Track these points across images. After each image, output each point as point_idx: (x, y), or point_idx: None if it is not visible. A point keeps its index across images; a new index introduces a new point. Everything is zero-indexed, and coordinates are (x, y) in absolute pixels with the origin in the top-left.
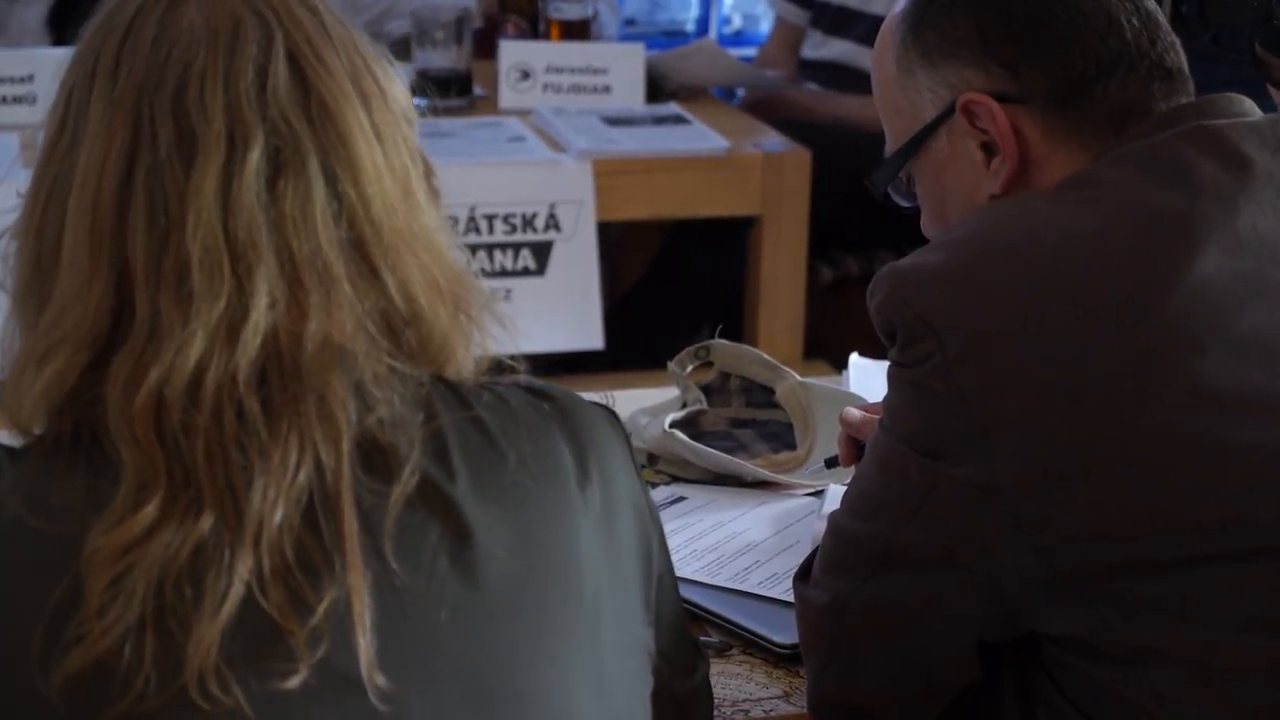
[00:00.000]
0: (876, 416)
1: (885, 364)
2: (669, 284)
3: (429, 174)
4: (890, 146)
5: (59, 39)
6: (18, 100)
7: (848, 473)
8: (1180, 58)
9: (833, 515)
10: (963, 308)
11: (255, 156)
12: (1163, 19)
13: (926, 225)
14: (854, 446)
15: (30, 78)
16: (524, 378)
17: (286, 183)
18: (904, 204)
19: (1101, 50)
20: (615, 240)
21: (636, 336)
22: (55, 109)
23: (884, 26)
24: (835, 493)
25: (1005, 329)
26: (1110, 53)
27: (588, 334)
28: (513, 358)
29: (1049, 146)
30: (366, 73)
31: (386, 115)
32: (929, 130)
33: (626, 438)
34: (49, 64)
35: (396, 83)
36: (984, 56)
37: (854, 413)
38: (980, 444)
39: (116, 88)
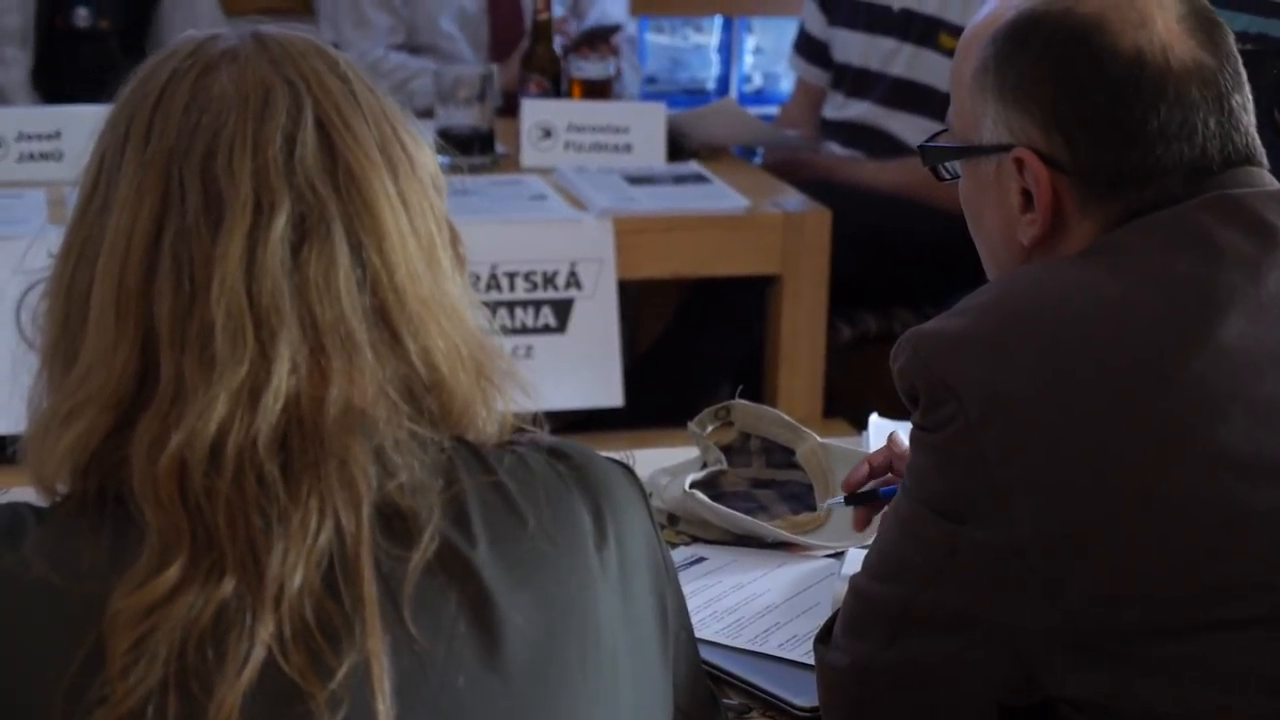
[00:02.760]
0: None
1: (905, 424)
2: (689, 342)
3: (455, 241)
4: (951, 127)
5: (47, 98)
6: (45, 157)
7: (866, 535)
8: (1251, 148)
9: (854, 577)
10: (985, 372)
11: (281, 223)
12: (1245, 113)
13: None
14: (867, 475)
15: (58, 134)
16: (544, 437)
17: (311, 249)
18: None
19: (1165, 155)
20: (635, 298)
21: (656, 394)
22: (88, 171)
23: (976, 30)
24: (855, 555)
25: (1027, 393)
26: (1172, 158)
27: (608, 392)
28: (534, 417)
29: (1082, 217)
30: (395, 140)
31: (413, 183)
32: (982, 152)
33: (644, 493)
34: (76, 121)
35: (425, 150)
36: (1051, 122)
37: (902, 440)
38: (1001, 507)
39: (148, 151)
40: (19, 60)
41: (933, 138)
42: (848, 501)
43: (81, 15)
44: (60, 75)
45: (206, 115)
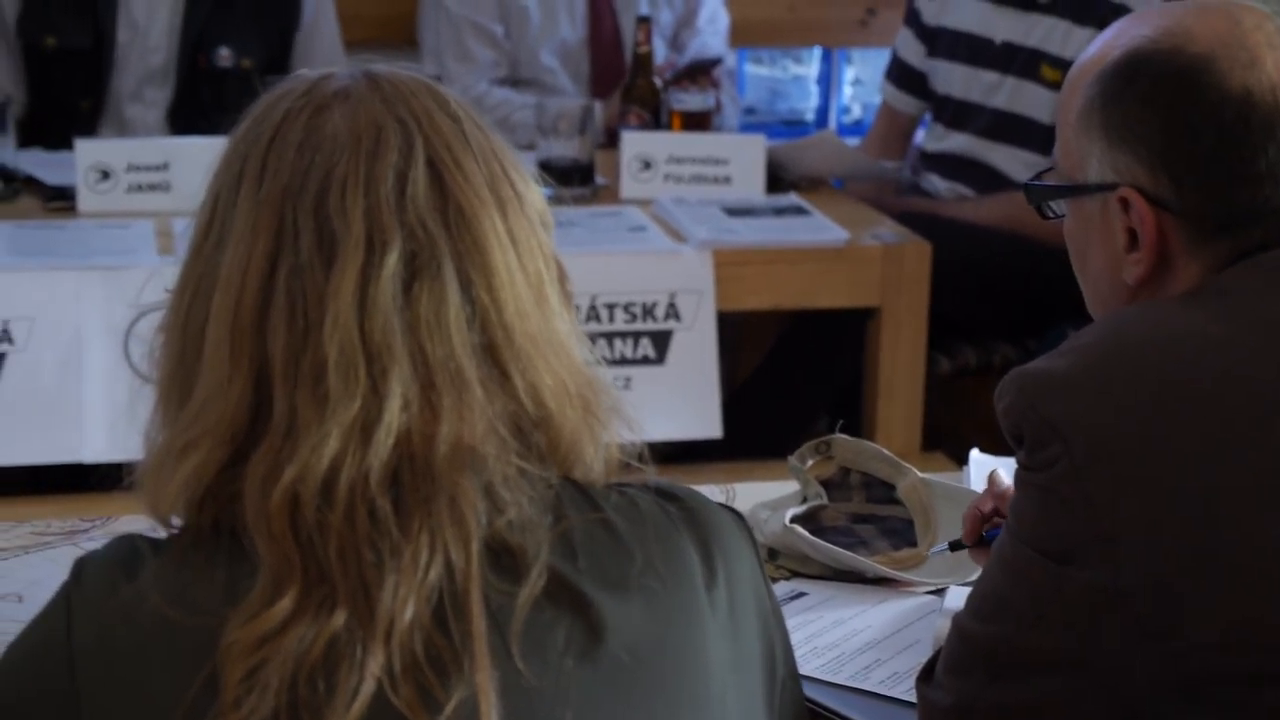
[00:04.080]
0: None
1: (1005, 460)
2: (787, 374)
3: (563, 278)
4: (1056, 165)
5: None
6: (154, 188)
7: (966, 569)
8: None
9: (957, 616)
10: (1090, 413)
11: (392, 260)
12: None
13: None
14: (980, 525)
15: (165, 166)
16: (652, 478)
17: (422, 286)
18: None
19: (1274, 196)
20: (734, 329)
21: (754, 426)
22: (203, 209)
23: (1083, 68)
24: (956, 592)
25: (1132, 434)
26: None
27: (706, 423)
28: (640, 457)
29: (1189, 257)
30: (504, 179)
31: (522, 221)
32: (1087, 191)
33: (753, 539)
34: (182, 153)
35: (534, 189)
36: (1157, 162)
37: (1002, 480)
38: (1107, 549)
39: (262, 190)
40: (158, 100)
41: (1038, 176)
42: (952, 547)
43: (224, 55)
44: (201, 113)
45: (320, 154)
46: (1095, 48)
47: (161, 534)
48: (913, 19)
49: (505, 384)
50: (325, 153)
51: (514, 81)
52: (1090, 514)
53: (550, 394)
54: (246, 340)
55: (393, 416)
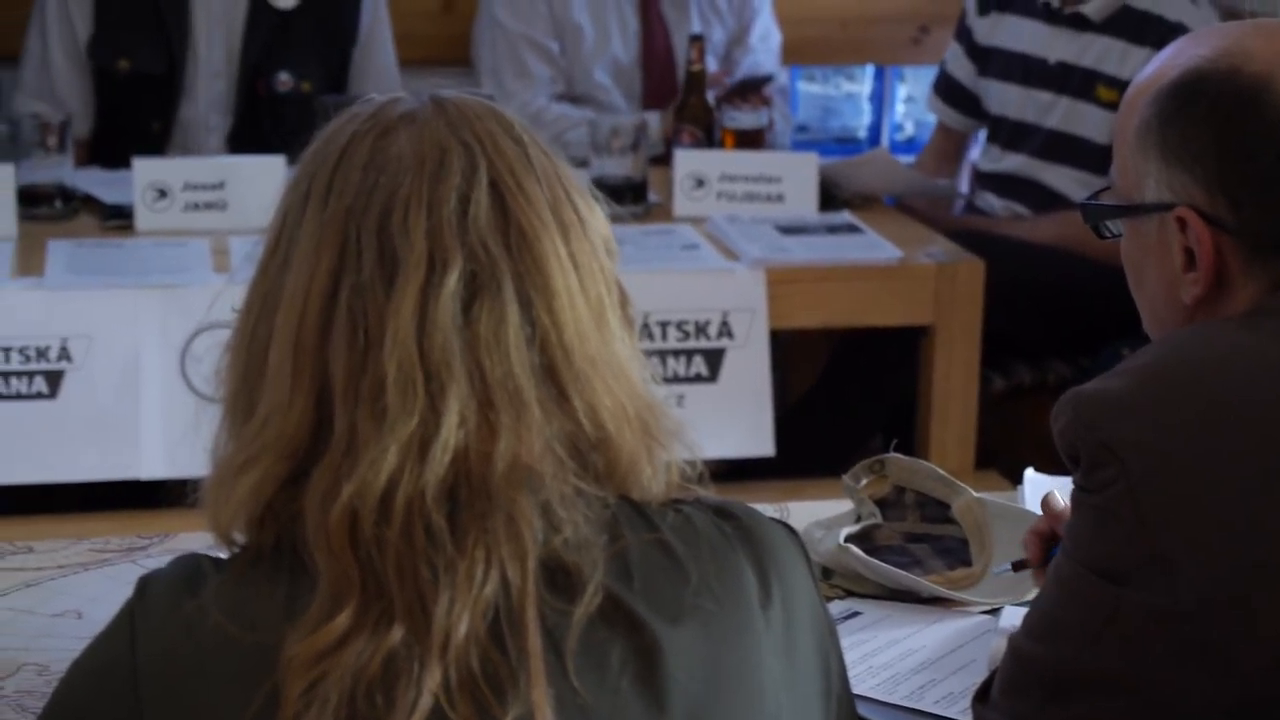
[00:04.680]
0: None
1: (1060, 479)
2: (840, 392)
3: (624, 303)
4: (1113, 184)
5: None
6: (209, 206)
7: (1021, 588)
8: None
9: (1013, 636)
10: (1146, 434)
11: (453, 279)
12: None
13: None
14: (1043, 547)
15: (221, 185)
16: (707, 495)
17: (482, 306)
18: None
19: None
20: (786, 347)
21: (807, 444)
22: (271, 229)
23: (1140, 87)
24: (1011, 611)
25: (1189, 455)
26: None
27: (759, 441)
28: (700, 478)
29: (1246, 277)
30: (567, 203)
31: (584, 244)
32: (1144, 211)
33: (807, 555)
34: (239, 172)
35: (597, 213)
36: (1214, 182)
37: (1058, 501)
38: (1163, 570)
39: (327, 210)
40: (219, 126)
41: (1094, 195)
42: (1015, 567)
43: (283, 80)
44: (261, 137)
45: (384, 175)
46: (1153, 67)
47: (224, 553)
48: (964, 35)
49: (564, 405)
50: (390, 174)
51: (568, 98)
52: (1145, 535)
53: (609, 416)
54: (308, 358)
55: (450, 433)
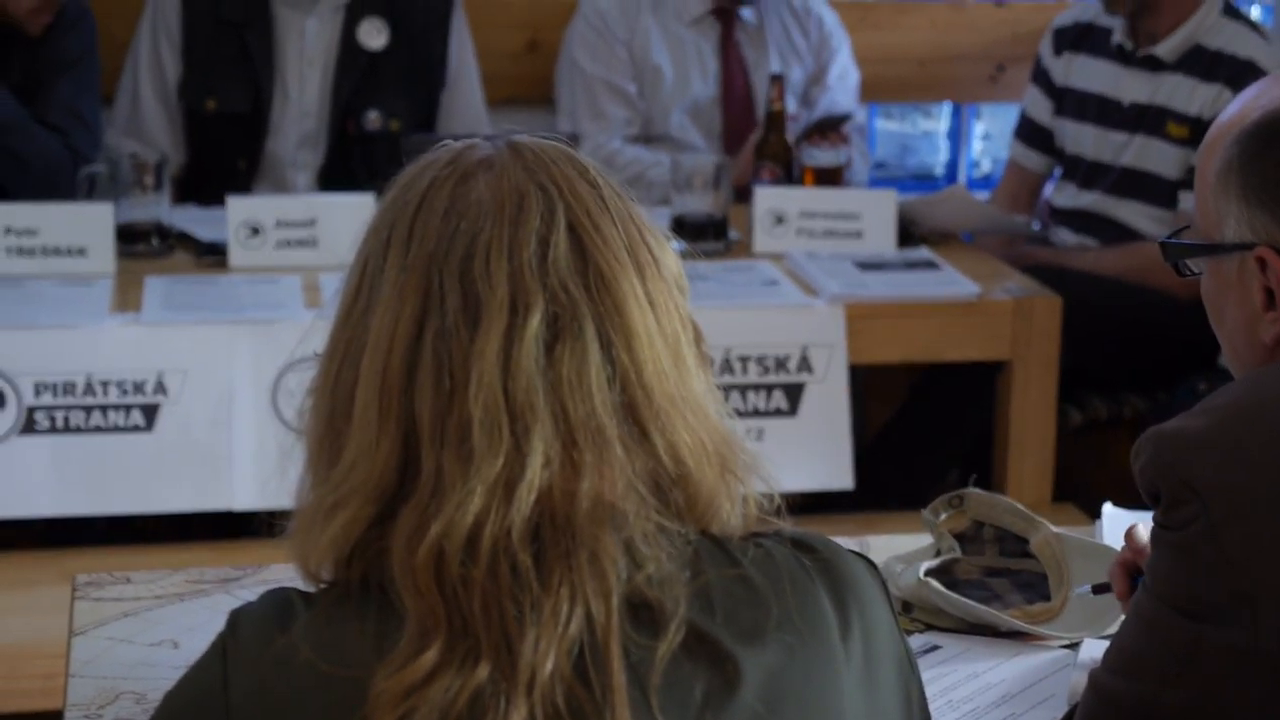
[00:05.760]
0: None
1: (1139, 514)
2: (919, 426)
3: (699, 339)
4: (1194, 222)
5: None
6: (301, 244)
7: (1101, 622)
8: None
9: (1094, 672)
10: (1226, 472)
11: (535, 322)
12: None
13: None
14: (1128, 578)
15: (312, 222)
16: (787, 529)
17: (564, 347)
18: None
19: None
20: (865, 382)
21: (886, 477)
22: (351, 275)
23: (1221, 129)
24: (1091, 645)
25: (1269, 494)
26: None
27: (838, 474)
28: (778, 508)
29: None
30: (641, 243)
31: (659, 283)
32: (1224, 250)
33: (886, 589)
34: (329, 209)
35: (670, 252)
36: None
37: (1141, 534)
38: (1245, 608)
39: (409, 256)
40: (310, 163)
41: (1175, 234)
42: (1095, 590)
43: (372, 119)
44: (350, 174)
45: (465, 221)
46: (1235, 108)
47: (311, 586)
48: (1041, 77)
49: (644, 442)
50: (470, 219)
51: (646, 139)
52: (1227, 573)
53: (688, 452)
54: (394, 402)
55: (535, 474)
